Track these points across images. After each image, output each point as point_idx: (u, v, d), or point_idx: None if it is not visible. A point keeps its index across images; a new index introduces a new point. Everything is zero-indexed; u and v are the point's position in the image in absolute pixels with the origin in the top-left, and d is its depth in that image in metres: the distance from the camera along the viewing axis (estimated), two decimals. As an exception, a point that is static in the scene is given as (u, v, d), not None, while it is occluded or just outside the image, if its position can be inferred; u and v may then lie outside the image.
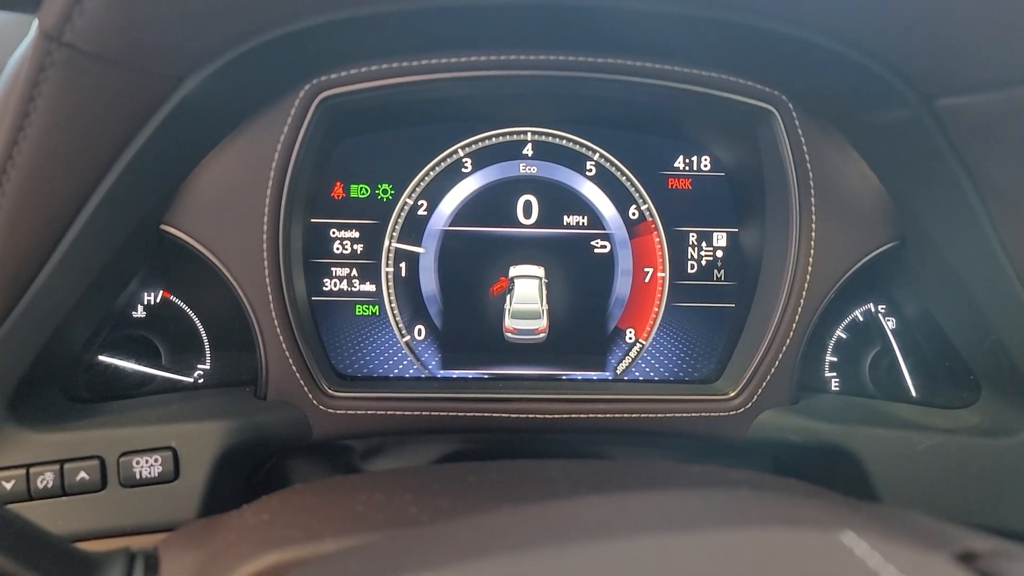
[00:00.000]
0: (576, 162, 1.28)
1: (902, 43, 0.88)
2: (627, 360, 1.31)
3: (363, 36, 0.99)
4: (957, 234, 1.05)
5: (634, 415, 1.19)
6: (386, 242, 1.27)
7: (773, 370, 1.17)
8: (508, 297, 1.28)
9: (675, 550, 0.46)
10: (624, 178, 1.28)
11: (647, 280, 1.30)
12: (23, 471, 1.00)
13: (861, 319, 1.29)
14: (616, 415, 1.19)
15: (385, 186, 1.26)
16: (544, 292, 1.28)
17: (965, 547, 0.50)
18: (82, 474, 1.02)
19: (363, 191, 1.26)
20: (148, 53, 0.83)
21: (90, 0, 0.74)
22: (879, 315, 1.28)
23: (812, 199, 1.13)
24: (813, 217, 1.14)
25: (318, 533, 0.64)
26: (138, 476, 1.04)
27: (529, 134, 1.28)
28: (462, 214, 1.27)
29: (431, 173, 1.26)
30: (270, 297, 1.11)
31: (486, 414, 1.18)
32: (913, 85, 0.92)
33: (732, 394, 1.19)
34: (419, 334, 1.29)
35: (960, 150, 0.95)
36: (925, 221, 1.09)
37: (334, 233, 1.25)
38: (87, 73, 0.80)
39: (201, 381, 1.23)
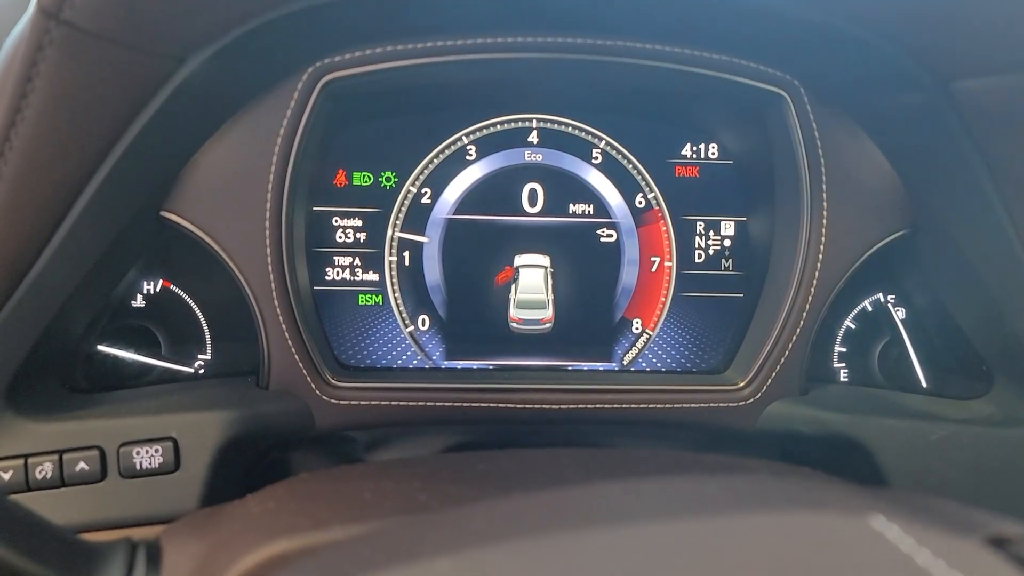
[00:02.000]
0: (582, 149, 1.27)
1: (917, 24, 0.86)
2: (634, 351, 1.29)
3: (367, 17, 0.97)
4: (971, 221, 1.04)
5: (641, 406, 1.17)
6: (389, 231, 1.25)
7: (783, 360, 1.16)
8: (513, 287, 1.26)
9: (700, 535, 0.45)
10: (631, 166, 1.27)
11: (654, 269, 1.28)
12: (21, 461, 0.99)
13: (870, 309, 1.27)
14: (623, 406, 1.17)
15: (388, 174, 1.24)
16: (550, 282, 1.27)
17: (997, 531, 0.49)
18: (81, 464, 1.00)
19: (366, 179, 1.24)
20: (149, 32, 0.81)
21: (90, -24, 0.73)
22: (888, 305, 1.26)
23: (823, 186, 1.12)
24: (824, 205, 1.12)
25: (325, 521, 0.62)
26: (138, 467, 1.02)
27: (534, 121, 1.26)
28: (466, 202, 1.26)
29: (435, 160, 1.24)
30: (272, 286, 1.10)
31: (491, 405, 1.16)
32: (928, 67, 0.90)
33: (741, 385, 1.18)
34: (423, 324, 1.27)
35: (975, 134, 0.93)
36: (938, 208, 1.08)
37: (337, 221, 1.24)
38: (86, 52, 0.79)
39: (202, 371, 1.21)
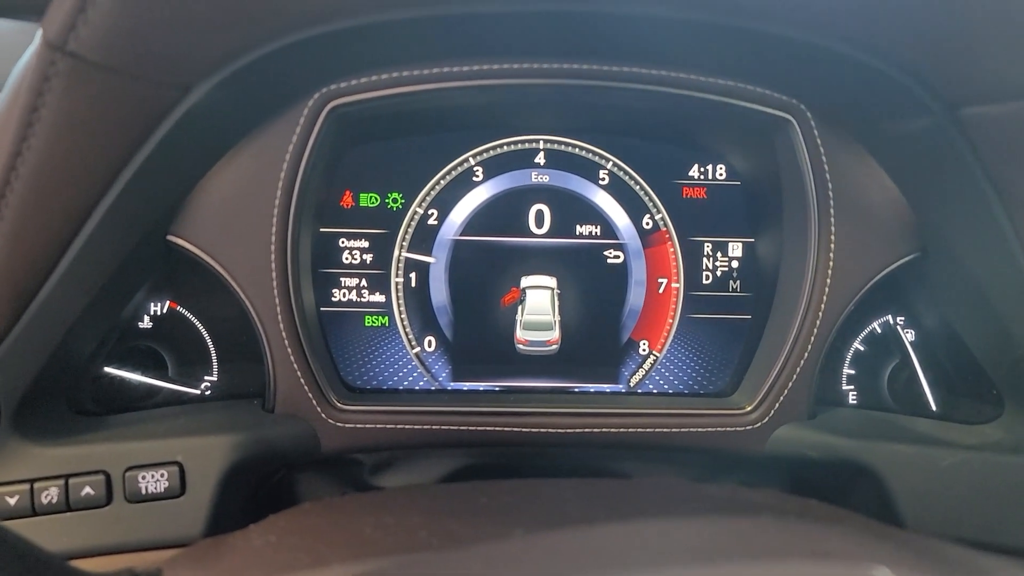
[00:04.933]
0: (589, 171, 1.26)
1: (926, 51, 0.85)
2: (641, 372, 1.28)
3: (373, 44, 0.97)
4: (980, 245, 1.03)
5: (648, 429, 1.16)
6: (396, 252, 1.25)
7: (791, 384, 1.15)
8: (520, 308, 1.26)
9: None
10: (638, 187, 1.26)
11: (661, 291, 1.28)
12: (27, 486, 0.99)
13: (879, 331, 1.26)
14: (629, 429, 1.16)
15: (395, 195, 1.24)
16: (556, 303, 1.26)
17: (1002, 582, 0.48)
18: (87, 489, 1.00)
19: (373, 200, 1.24)
20: (154, 62, 0.81)
21: (94, 9, 0.73)
22: (898, 327, 1.25)
23: (831, 210, 1.11)
24: (832, 228, 1.11)
25: (325, 558, 0.62)
26: (144, 491, 1.02)
27: (541, 142, 1.26)
28: (473, 223, 1.25)
29: (442, 182, 1.24)
30: (278, 308, 1.10)
31: (497, 428, 1.15)
32: (937, 94, 0.89)
33: (749, 408, 1.17)
34: (429, 345, 1.27)
35: (984, 160, 0.92)
36: (947, 232, 1.06)
37: (343, 243, 1.24)
38: (91, 83, 0.79)
39: (208, 393, 1.21)
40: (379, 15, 0.88)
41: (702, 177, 1.26)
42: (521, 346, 1.26)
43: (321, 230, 1.22)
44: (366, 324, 1.25)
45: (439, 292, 1.26)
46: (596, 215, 1.26)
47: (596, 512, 0.66)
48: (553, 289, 1.26)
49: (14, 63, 0.82)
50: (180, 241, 1.08)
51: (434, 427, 1.15)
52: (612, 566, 0.48)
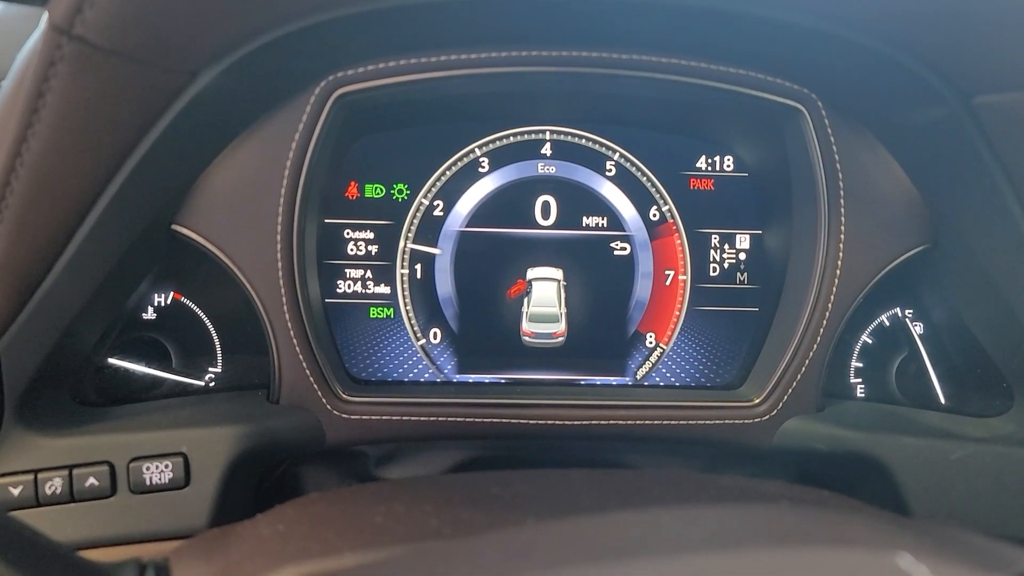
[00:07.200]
0: (596, 162, 1.25)
1: (940, 38, 0.85)
2: (647, 365, 1.28)
3: (380, 31, 0.96)
4: (992, 237, 1.02)
5: (655, 422, 1.16)
6: (401, 243, 1.24)
7: (799, 376, 1.14)
8: (525, 300, 1.25)
9: (720, 570, 0.43)
10: (645, 178, 1.25)
11: (668, 283, 1.27)
12: (31, 476, 0.98)
13: (888, 324, 1.25)
14: (636, 422, 1.16)
15: (400, 186, 1.23)
16: (562, 295, 1.25)
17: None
18: (91, 480, 1.00)
19: (378, 191, 1.23)
20: (160, 47, 0.81)
21: (101, -8, 0.72)
22: (907, 320, 1.25)
23: (841, 201, 1.10)
24: (842, 219, 1.11)
25: (336, 546, 0.61)
26: (148, 482, 1.01)
27: (548, 133, 1.25)
28: (479, 215, 1.25)
29: (447, 173, 1.24)
30: (283, 299, 1.09)
31: (503, 420, 1.15)
32: (950, 82, 0.88)
33: (756, 401, 1.16)
34: (435, 337, 1.26)
35: (997, 150, 0.92)
36: (958, 223, 1.06)
37: (348, 234, 1.23)
38: (97, 67, 0.78)
39: (212, 384, 1.21)
40: (385, 1, 0.87)
41: (710, 168, 1.26)
42: (527, 338, 1.26)
43: (326, 221, 1.21)
44: (371, 316, 1.24)
45: (444, 284, 1.25)
46: (603, 206, 1.26)
47: (610, 500, 0.66)
48: (559, 281, 1.26)
49: (19, 48, 0.81)
50: (185, 231, 1.07)
51: (439, 419, 1.14)
52: (630, 552, 0.47)
